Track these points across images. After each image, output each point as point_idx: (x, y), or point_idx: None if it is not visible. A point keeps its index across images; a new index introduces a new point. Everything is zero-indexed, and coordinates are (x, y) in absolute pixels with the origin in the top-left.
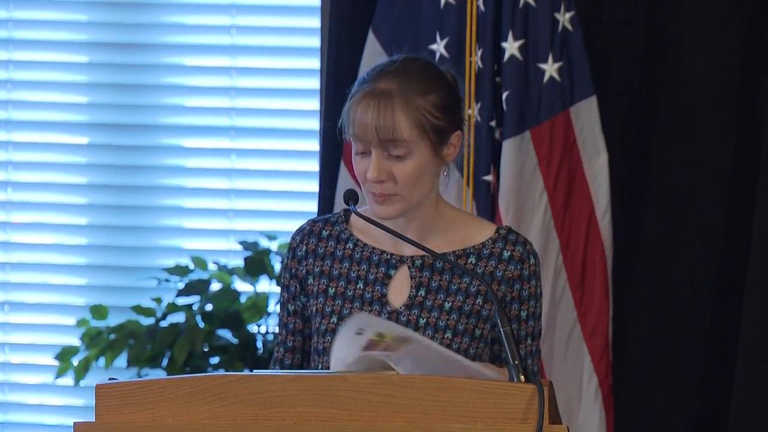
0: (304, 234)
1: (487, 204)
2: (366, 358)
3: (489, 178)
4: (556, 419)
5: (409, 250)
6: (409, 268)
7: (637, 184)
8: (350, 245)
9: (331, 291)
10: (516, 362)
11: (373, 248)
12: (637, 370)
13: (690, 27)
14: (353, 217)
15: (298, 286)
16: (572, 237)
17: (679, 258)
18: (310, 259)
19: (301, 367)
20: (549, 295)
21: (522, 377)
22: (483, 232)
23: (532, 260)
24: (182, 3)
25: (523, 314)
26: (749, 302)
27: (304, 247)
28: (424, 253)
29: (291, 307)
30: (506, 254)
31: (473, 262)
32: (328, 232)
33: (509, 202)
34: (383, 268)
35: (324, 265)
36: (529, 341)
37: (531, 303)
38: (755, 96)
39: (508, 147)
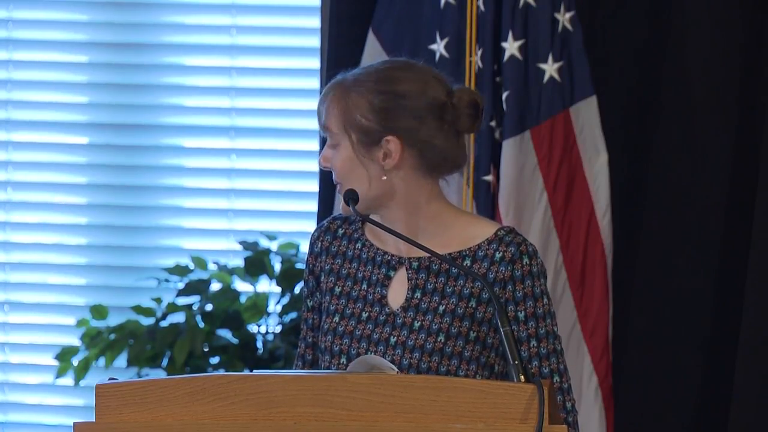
0: (321, 231)
1: (487, 204)
2: (365, 360)
3: (489, 178)
4: (556, 419)
5: (409, 252)
6: (406, 269)
7: (637, 184)
8: (359, 245)
9: (338, 290)
10: (516, 362)
11: (378, 249)
12: (637, 370)
13: (690, 27)
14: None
15: (314, 282)
16: (572, 237)
17: (679, 258)
18: (324, 256)
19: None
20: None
21: (522, 377)
22: (482, 233)
23: (525, 260)
24: (182, 3)
25: (521, 315)
26: (749, 302)
27: (320, 243)
28: (422, 254)
29: (310, 303)
30: (498, 255)
31: (467, 264)
32: (343, 231)
33: (509, 202)
34: (384, 269)
35: (335, 264)
36: (533, 343)
37: (528, 303)
38: (755, 96)
39: (508, 147)
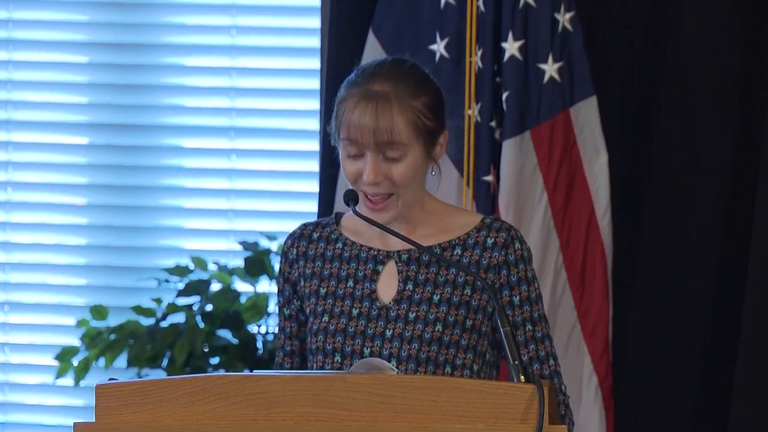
0: (294, 237)
1: (487, 204)
2: (366, 362)
3: (489, 178)
4: (556, 419)
5: (396, 245)
6: (396, 262)
7: (637, 184)
8: (339, 245)
9: (323, 291)
10: (516, 362)
11: (361, 246)
12: (637, 370)
13: (690, 27)
14: (343, 219)
15: (290, 289)
16: (572, 237)
17: (679, 258)
18: (301, 262)
19: (300, 370)
20: (549, 295)
21: (522, 377)
22: (468, 222)
23: (517, 245)
24: (182, 3)
25: (516, 300)
26: (749, 302)
27: (295, 250)
28: (411, 247)
29: (286, 312)
30: (490, 241)
31: (459, 252)
32: (318, 234)
33: (509, 202)
34: (371, 265)
35: (315, 267)
36: (528, 327)
37: (522, 287)
38: (755, 96)
39: (508, 147)
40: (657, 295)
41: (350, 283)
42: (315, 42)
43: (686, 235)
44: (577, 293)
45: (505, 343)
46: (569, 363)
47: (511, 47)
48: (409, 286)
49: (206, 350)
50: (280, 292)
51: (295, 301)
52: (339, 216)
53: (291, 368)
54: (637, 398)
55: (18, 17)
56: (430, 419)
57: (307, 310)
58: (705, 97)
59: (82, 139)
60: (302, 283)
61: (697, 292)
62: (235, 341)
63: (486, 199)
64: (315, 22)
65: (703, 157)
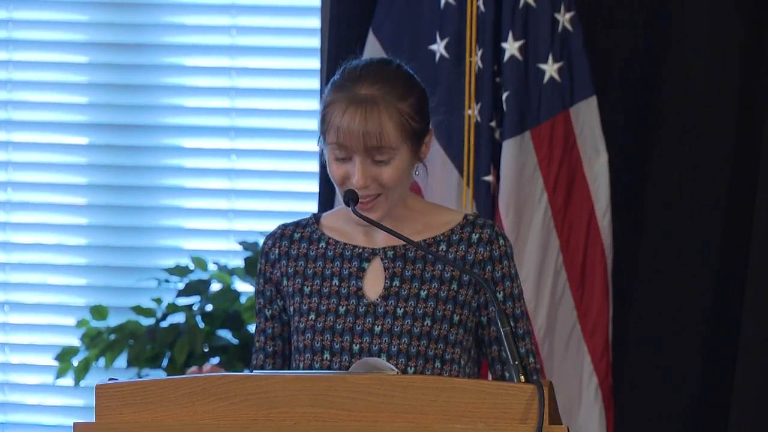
0: (275, 238)
1: (487, 204)
2: (366, 362)
3: (489, 178)
4: (556, 419)
5: (381, 242)
6: (381, 259)
7: (637, 184)
8: (322, 244)
9: (307, 290)
10: (516, 362)
11: (345, 244)
12: (637, 370)
13: (690, 27)
14: (323, 218)
15: (273, 289)
16: (572, 237)
17: (679, 258)
18: (284, 262)
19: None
20: (549, 295)
21: (522, 377)
22: (451, 219)
23: (501, 241)
24: (182, 3)
25: (500, 296)
26: (749, 302)
27: (277, 250)
28: (396, 243)
29: (268, 312)
30: (475, 237)
31: (444, 248)
32: (299, 234)
33: (509, 202)
34: (356, 262)
35: (298, 266)
36: (511, 323)
37: (506, 283)
38: (755, 96)
39: (508, 147)
40: (657, 295)
41: (335, 281)
42: (315, 42)
43: (686, 235)
44: (577, 293)
45: (505, 343)
46: (569, 363)
47: (511, 47)
48: (396, 283)
49: (206, 350)
50: (261, 293)
51: (277, 301)
52: (318, 216)
53: (272, 369)
54: (637, 398)
55: (18, 17)
56: (430, 419)
57: (291, 309)
58: (705, 97)
59: (82, 139)
60: (285, 282)
61: (697, 292)
62: (235, 341)
63: (486, 199)
64: (315, 22)
65: (703, 157)
